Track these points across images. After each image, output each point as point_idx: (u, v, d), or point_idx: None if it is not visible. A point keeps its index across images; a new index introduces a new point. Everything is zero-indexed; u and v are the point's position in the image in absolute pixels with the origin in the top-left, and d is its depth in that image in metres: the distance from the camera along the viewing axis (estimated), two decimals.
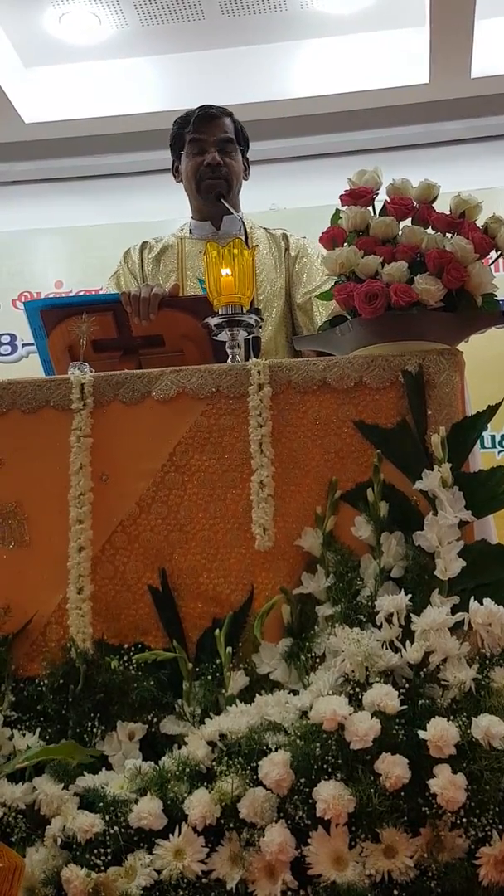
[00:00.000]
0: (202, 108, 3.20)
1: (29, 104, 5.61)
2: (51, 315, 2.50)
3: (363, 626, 1.95)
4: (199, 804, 1.80)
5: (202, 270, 2.52)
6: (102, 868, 1.80)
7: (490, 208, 2.27)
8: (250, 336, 2.36)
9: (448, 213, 2.24)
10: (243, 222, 3.06)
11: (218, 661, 2.00)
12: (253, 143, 3.31)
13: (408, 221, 2.25)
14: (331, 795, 1.73)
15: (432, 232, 2.22)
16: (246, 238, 2.93)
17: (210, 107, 3.21)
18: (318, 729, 1.80)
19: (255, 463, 2.11)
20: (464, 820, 1.73)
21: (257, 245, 3.11)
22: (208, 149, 3.14)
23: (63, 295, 5.47)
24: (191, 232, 3.28)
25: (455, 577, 1.97)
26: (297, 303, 3.12)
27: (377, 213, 2.27)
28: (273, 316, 3.09)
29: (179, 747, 1.92)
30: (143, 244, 3.28)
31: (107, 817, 1.84)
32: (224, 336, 2.30)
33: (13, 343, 5.55)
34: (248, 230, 3.18)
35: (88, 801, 1.88)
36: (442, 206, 2.26)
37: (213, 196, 3.13)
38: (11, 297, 5.58)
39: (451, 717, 1.79)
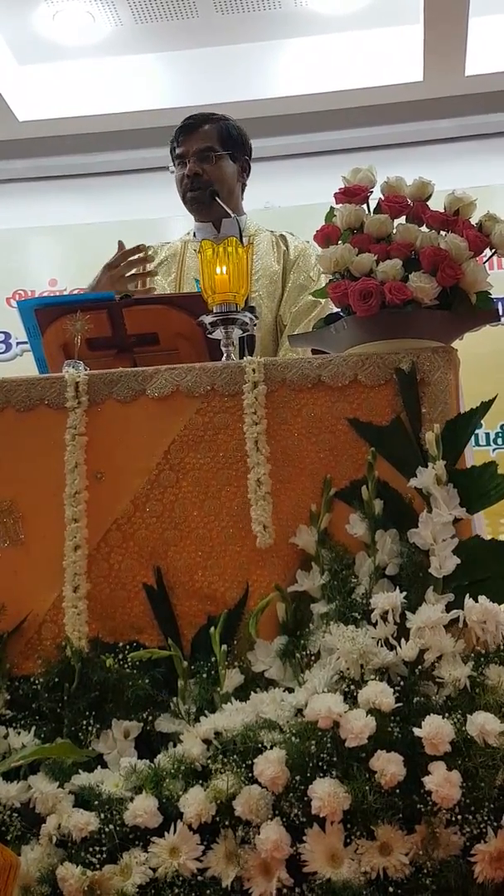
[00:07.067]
0: (185, 119, 3.23)
1: (23, 102, 5.61)
2: (45, 314, 2.49)
3: (358, 623, 1.95)
4: (195, 802, 1.80)
5: (198, 270, 2.52)
6: (98, 866, 1.80)
7: (484, 206, 2.27)
8: (245, 334, 2.36)
9: (442, 210, 2.24)
10: (240, 226, 3.06)
11: (213, 658, 2.00)
12: None
13: (402, 219, 2.25)
14: (326, 793, 1.73)
15: (427, 230, 2.22)
16: (241, 239, 2.93)
17: (192, 117, 3.24)
18: (313, 726, 1.80)
19: (251, 461, 2.11)
20: (459, 817, 1.73)
21: (252, 242, 3.11)
22: (188, 161, 3.17)
23: (57, 293, 5.47)
24: (194, 235, 3.29)
25: (450, 574, 1.97)
26: (280, 314, 3.16)
27: (371, 211, 2.27)
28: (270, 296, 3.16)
29: (175, 745, 1.92)
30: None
31: (102, 815, 1.84)
32: (219, 334, 2.30)
33: (7, 341, 5.55)
34: (251, 231, 3.19)
35: (84, 800, 1.88)
36: (436, 204, 2.26)
37: (207, 196, 3.15)
38: (6, 296, 5.58)
39: (447, 715, 1.79)
